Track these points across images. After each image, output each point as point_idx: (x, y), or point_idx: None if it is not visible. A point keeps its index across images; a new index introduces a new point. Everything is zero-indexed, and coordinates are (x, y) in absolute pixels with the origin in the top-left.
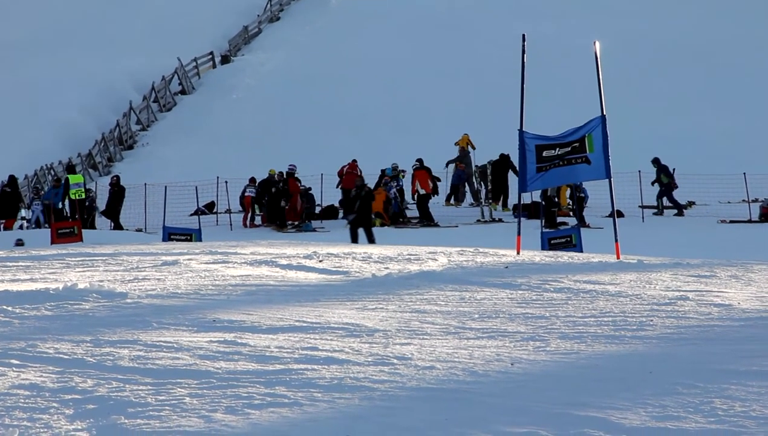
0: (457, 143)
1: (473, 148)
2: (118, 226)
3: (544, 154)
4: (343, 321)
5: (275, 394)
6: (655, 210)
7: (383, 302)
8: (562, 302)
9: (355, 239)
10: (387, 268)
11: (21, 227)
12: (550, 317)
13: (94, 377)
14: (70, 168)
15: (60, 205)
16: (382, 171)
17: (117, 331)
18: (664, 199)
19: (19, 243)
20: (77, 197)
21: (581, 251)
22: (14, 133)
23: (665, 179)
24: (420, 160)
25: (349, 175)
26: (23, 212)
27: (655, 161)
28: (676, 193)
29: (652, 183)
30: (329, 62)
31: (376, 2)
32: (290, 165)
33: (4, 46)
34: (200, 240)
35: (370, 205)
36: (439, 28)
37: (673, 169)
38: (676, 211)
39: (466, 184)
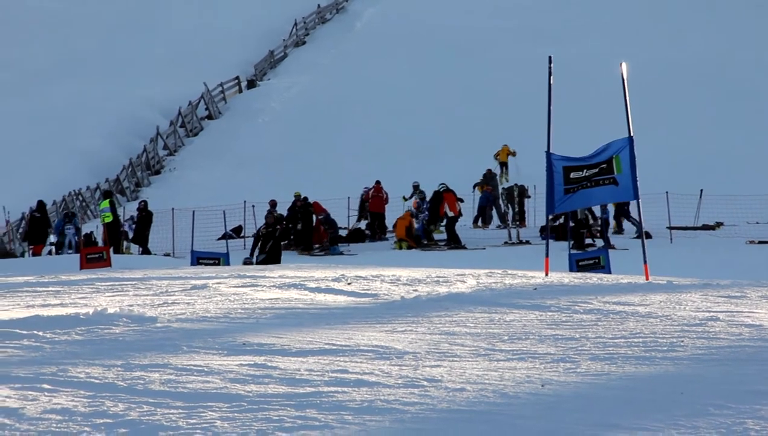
0: (496, 155)
1: (514, 155)
2: (146, 251)
3: (572, 175)
4: (373, 344)
5: (306, 417)
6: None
7: (413, 325)
8: (591, 323)
9: None
10: (416, 290)
11: (50, 253)
12: (580, 338)
13: (126, 400)
14: (107, 193)
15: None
16: (414, 186)
17: (147, 355)
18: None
19: (248, 262)
20: (107, 221)
21: (610, 273)
22: (39, 161)
23: None
24: (444, 184)
25: (376, 199)
26: (52, 238)
27: None
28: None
29: None
30: (354, 86)
31: (401, 27)
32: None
33: (28, 74)
34: (228, 264)
35: (280, 246)
36: (462, 53)
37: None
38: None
39: (493, 206)
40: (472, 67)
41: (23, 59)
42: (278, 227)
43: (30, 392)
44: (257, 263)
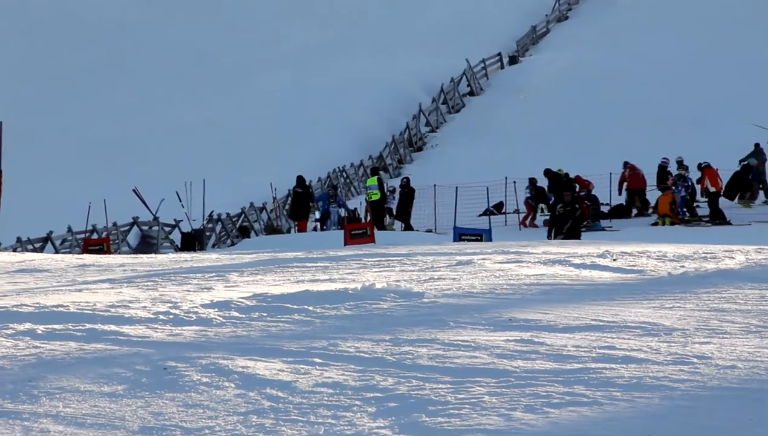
0: None
1: None
2: (408, 227)
3: None
4: (640, 320)
5: (574, 393)
6: None
7: (680, 301)
8: None
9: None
10: (683, 266)
11: (315, 229)
12: None
13: (394, 375)
14: (374, 170)
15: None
16: (661, 166)
17: (415, 330)
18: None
19: None
20: (373, 199)
21: None
22: (307, 136)
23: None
24: (707, 162)
25: (633, 176)
26: (316, 214)
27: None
28: None
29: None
30: (617, 60)
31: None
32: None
33: (296, 52)
34: (490, 240)
35: (579, 227)
36: (731, 22)
37: None
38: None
39: (760, 181)
40: (742, 37)
41: (295, 36)
42: (576, 205)
43: (302, 366)
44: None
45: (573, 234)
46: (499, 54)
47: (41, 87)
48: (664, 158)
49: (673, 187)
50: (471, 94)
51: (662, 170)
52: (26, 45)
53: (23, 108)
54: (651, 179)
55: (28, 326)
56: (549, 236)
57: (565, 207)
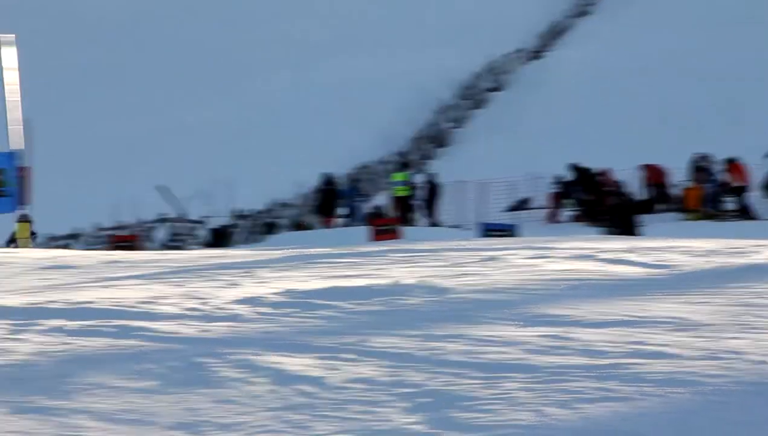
0: None
1: None
2: (434, 223)
3: None
4: (670, 315)
5: (606, 388)
6: None
7: (710, 296)
8: None
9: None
10: (711, 261)
11: (341, 225)
12: None
13: (425, 371)
14: (400, 166)
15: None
16: (692, 161)
17: (444, 325)
18: None
19: None
20: (399, 194)
21: None
22: (331, 132)
23: None
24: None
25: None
26: (341, 210)
27: None
28: None
29: None
30: (642, 55)
31: None
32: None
33: (318, 46)
34: (517, 236)
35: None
36: (758, 15)
37: None
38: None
39: None
40: None
41: (314, 30)
42: (626, 198)
43: (331, 362)
44: None
45: (627, 227)
46: (522, 49)
47: (55, 87)
48: (696, 154)
49: (702, 182)
50: (494, 89)
51: (693, 165)
52: (37, 44)
53: (43, 105)
54: (680, 175)
55: (59, 322)
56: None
57: (618, 198)
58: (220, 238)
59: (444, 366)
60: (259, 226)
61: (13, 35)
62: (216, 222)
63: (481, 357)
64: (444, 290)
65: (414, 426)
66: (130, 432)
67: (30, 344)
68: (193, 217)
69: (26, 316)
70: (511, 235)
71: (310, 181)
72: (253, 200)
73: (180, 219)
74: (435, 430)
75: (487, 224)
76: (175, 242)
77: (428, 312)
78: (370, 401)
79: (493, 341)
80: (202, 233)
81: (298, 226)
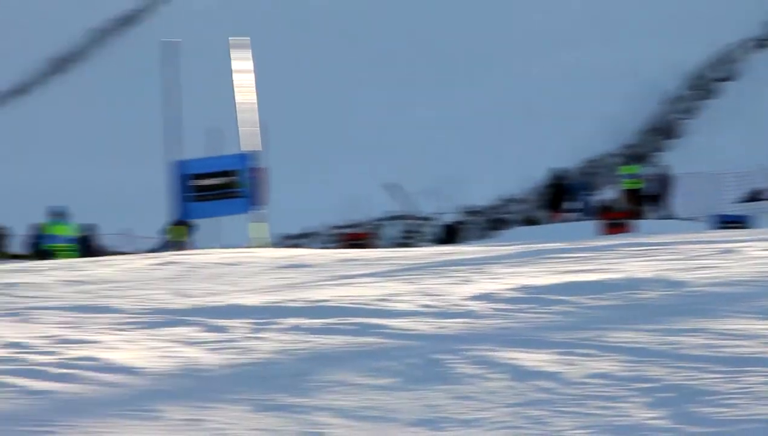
0: None
1: None
2: (667, 215)
3: None
4: None
5: None
6: None
7: None
8: None
9: None
10: None
11: (571, 220)
12: None
13: (665, 365)
14: (632, 159)
15: None
16: None
17: (682, 319)
18: None
19: None
20: (630, 187)
21: None
22: (558, 125)
23: None
24: None
25: None
26: (570, 204)
27: None
28: None
29: None
30: None
31: None
32: None
33: (542, 38)
34: (753, 227)
35: None
36: None
37: None
38: None
39: None
40: None
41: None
42: None
43: (569, 357)
44: None
45: None
46: (757, 37)
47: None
48: None
49: None
50: (727, 79)
51: None
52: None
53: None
54: None
55: (298, 320)
56: None
57: None
58: (450, 234)
59: (684, 360)
60: (489, 221)
61: (248, 38)
62: (446, 219)
63: (721, 351)
64: (680, 284)
65: (656, 421)
66: (372, 429)
67: (271, 343)
68: (423, 214)
69: (266, 315)
70: (745, 226)
71: (538, 176)
72: (483, 196)
73: (410, 216)
74: (677, 425)
75: (721, 216)
76: (405, 239)
77: (665, 306)
78: (609, 397)
79: (733, 335)
80: (432, 229)
81: (530, 220)
